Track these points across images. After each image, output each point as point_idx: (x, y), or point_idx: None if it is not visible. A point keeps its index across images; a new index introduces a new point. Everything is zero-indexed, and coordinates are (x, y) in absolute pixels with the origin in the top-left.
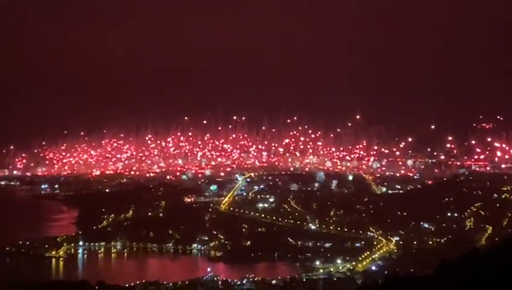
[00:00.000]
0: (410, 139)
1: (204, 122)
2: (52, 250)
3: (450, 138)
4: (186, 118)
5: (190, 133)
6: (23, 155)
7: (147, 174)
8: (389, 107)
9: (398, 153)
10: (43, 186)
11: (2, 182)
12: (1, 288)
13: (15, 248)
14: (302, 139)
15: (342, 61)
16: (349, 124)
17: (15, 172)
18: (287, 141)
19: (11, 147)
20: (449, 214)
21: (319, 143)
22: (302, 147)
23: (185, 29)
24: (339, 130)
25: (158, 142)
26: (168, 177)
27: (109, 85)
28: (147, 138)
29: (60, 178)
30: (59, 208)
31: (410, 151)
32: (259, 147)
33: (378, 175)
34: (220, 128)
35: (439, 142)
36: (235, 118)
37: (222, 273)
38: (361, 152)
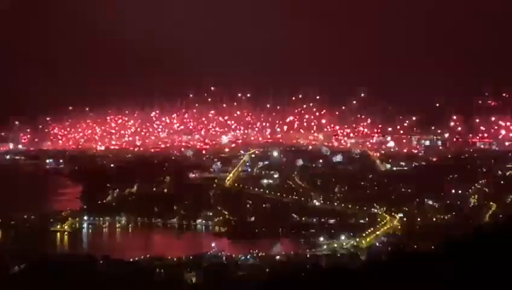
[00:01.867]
0: (414, 117)
1: (209, 99)
2: (57, 224)
3: (454, 116)
4: (191, 95)
5: (195, 110)
6: (28, 130)
7: (152, 150)
8: (393, 84)
9: (402, 131)
10: (48, 161)
11: (7, 156)
12: (6, 262)
13: (20, 222)
14: (306, 116)
15: (346, 36)
16: (354, 102)
17: (20, 146)
18: (291, 118)
19: (16, 123)
20: (453, 191)
21: (323, 121)
22: (305, 124)
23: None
24: (343, 107)
25: (163, 119)
26: (173, 152)
27: (115, 61)
28: (152, 114)
29: (65, 153)
30: (64, 182)
31: (415, 129)
32: (264, 124)
33: (382, 152)
34: (224, 105)
35: (443, 120)
36: (239, 95)
37: (226, 249)
38: (366, 129)
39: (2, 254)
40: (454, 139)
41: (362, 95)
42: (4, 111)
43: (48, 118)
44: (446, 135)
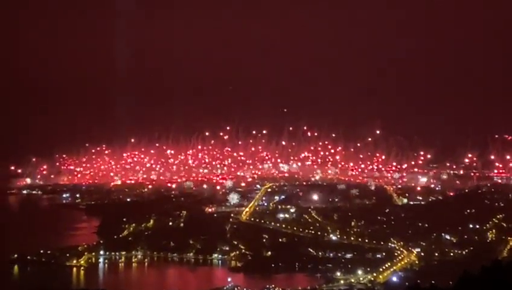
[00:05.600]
0: (431, 151)
1: (226, 137)
2: (73, 259)
3: (471, 150)
4: (207, 133)
5: (210, 147)
6: (45, 166)
7: (168, 184)
8: (409, 118)
9: (419, 164)
10: (64, 196)
11: (24, 191)
12: None
13: (36, 257)
14: (321, 153)
15: (362, 71)
16: (369, 139)
17: (36, 181)
18: (306, 154)
19: (33, 159)
20: (471, 226)
21: (337, 157)
22: (320, 161)
23: (207, 40)
24: (358, 144)
25: (179, 156)
26: (189, 187)
27: (132, 97)
28: (168, 152)
29: (81, 187)
30: (80, 217)
31: (431, 164)
32: (278, 160)
33: (399, 186)
34: (240, 142)
35: (460, 154)
36: (254, 132)
37: (242, 284)
38: (381, 165)
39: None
40: (472, 174)
41: (378, 132)
42: (22, 148)
43: (64, 155)
44: (462, 170)
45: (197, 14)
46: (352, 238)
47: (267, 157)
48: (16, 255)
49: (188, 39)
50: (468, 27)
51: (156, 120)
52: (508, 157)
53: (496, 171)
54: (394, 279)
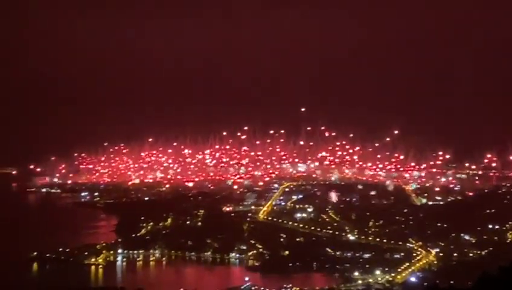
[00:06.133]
0: (450, 150)
1: (243, 137)
2: (92, 257)
3: (490, 149)
4: (224, 133)
5: (228, 146)
6: (64, 165)
7: (186, 183)
8: (428, 117)
9: (438, 163)
10: (83, 194)
11: (44, 189)
12: None
13: (55, 255)
14: (339, 153)
15: (380, 70)
16: (388, 139)
17: (55, 180)
18: (323, 154)
19: (53, 158)
20: (490, 226)
21: (355, 157)
22: (338, 160)
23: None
24: (377, 144)
25: (196, 155)
26: (206, 186)
27: (151, 97)
28: (185, 152)
29: (99, 186)
30: (98, 215)
31: (450, 164)
32: (295, 160)
33: (418, 186)
34: (257, 142)
35: (479, 154)
36: (271, 132)
37: (260, 283)
38: (399, 165)
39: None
40: (491, 174)
41: (396, 132)
42: (41, 147)
43: (82, 154)
44: (481, 170)
45: (215, 15)
46: (370, 238)
47: (284, 157)
48: (35, 253)
49: (206, 39)
50: (491, 26)
51: (173, 120)
52: None
53: None
54: (412, 279)
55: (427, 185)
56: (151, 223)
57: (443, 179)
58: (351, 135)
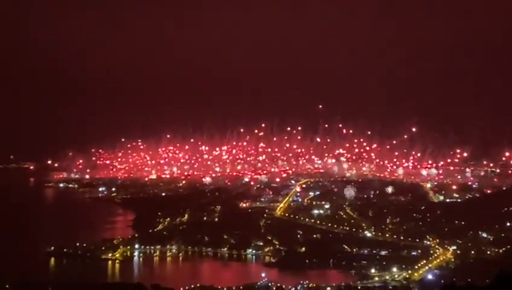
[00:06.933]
0: (468, 148)
1: (261, 134)
2: (109, 252)
3: (509, 147)
4: (242, 130)
5: (245, 143)
6: (81, 161)
7: (203, 179)
8: (446, 115)
9: (456, 161)
10: (100, 189)
11: (61, 184)
12: None
13: (72, 250)
14: (356, 150)
15: (398, 67)
16: (405, 136)
17: (73, 175)
18: (340, 151)
19: (70, 153)
20: (508, 224)
21: (372, 155)
22: (355, 157)
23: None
24: (394, 141)
25: (213, 151)
26: (225, 182)
27: (169, 94)
28: (202, 148)
29: (117, 181)
30: (116, 210)
31: (468, 161)
32: (312, 157)
33: (435, 183)
34: (275, 138)
35: (497, 151)
36: (289, 129)
37: (276, 279)
38: (417, 163)
39: (50, 285)
40: (510, 171)
41: (414, 129)
42: (59, 142)
43: (100, 150)
44: (499, 168)
45: (232, 13)
46: (387, 235)
47: (301, 154)
48: (52, 248)
49: (221, 37)
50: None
51: (191, 116)
52: None
53: None
54: (430, 277)
55: (445, 182)
56: (168, 219)
57: (461, 177)
58: (369, 132)
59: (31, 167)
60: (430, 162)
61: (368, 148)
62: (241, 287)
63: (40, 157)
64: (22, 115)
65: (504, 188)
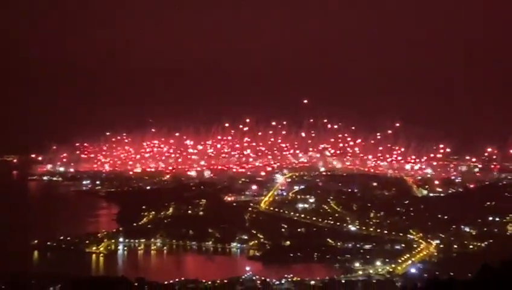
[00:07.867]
0: (451, 143)
1: (245, 129)
2: (93, 246)
3: (491, 142)
4: (227, 124)
5: (230, 137)
6: (65, 154)
7: (187, 173)
8: (429, 109)
9: (439, 156)
10: (84, 182)
11: (45, 178)
12: (42, 283)
13: (56, 243)
14: (341, 145)
15: (381, 62)
16: (389, 131)
17: (58, 168)
18: (325, 145)
19: (54, 147)
20: (491, 218)
21: (356, 149)
22: (339, 152)
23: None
24: (379, 136)
25: (198, 146)
26: (208, 175)
27: (155, 88)
28: (187, 142)
29: (101, 174)
30: (100, 204)
31: (451, 156)
32: (297, 151)
33: (419, 177)
34: (260, 133)
35: (480, 146)
36: (274, 123)
37: (261, 273)
38: (400, 157)
39: (38, 275)
40: (492, 166)
41: (397, 124)
42: (43, 135)
43: (84, 143)
44: (480, 163)
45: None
46: (371, 229)
47: (286, 148)
48: (36, 241)
49: (211, 33)
50: (494, 19)
51: (175, 111)
52: None
53: None
54: (413, 270)
55: (428, 176)
56: (153, 212)
57: (443, 171)
58: (353, 128)
59: (14, 160)
60: (413, 157)
61: (352, 143)
62: (225, 281)
63: (23, 150)
64: (4, 108)
65: (487, 183)
